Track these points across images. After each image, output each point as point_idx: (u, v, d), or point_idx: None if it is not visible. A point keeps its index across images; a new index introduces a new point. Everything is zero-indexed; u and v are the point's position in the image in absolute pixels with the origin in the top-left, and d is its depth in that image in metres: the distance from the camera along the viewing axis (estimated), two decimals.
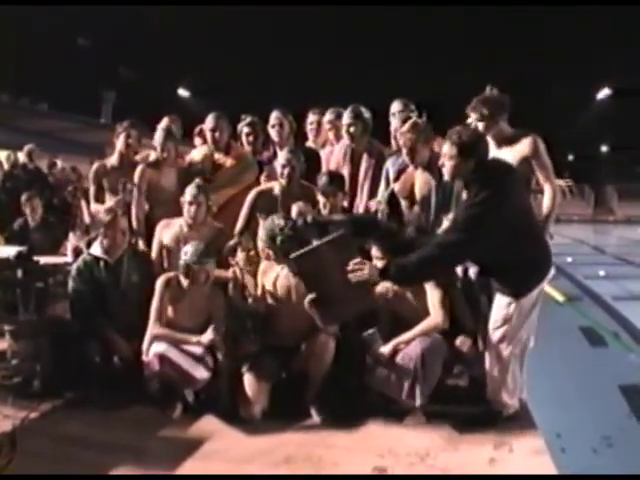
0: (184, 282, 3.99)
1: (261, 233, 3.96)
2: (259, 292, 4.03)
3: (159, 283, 4.02)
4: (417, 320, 3.83)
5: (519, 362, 3.72)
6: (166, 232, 4.46)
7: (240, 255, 4.18)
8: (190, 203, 4.33)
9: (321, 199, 4.24)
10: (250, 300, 4.02)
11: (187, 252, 3.92)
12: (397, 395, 3.74)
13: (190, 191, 4.35)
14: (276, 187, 4.53)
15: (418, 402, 3.69)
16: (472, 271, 3.83)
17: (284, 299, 3.95)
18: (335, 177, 4.33)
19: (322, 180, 4.26)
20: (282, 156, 4.50)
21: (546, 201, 3.97)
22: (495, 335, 3.63)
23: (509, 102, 4.05)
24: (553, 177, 4.00)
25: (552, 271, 3.67)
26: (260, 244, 4.06)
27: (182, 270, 3.95)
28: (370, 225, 4.01)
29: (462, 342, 3.81)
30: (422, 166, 4.20)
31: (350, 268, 3.48)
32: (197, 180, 4.47)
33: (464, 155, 3.44)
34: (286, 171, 4.42)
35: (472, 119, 3.95)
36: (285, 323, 3.96)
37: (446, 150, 3.51)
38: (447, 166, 3.53)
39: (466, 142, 3.45)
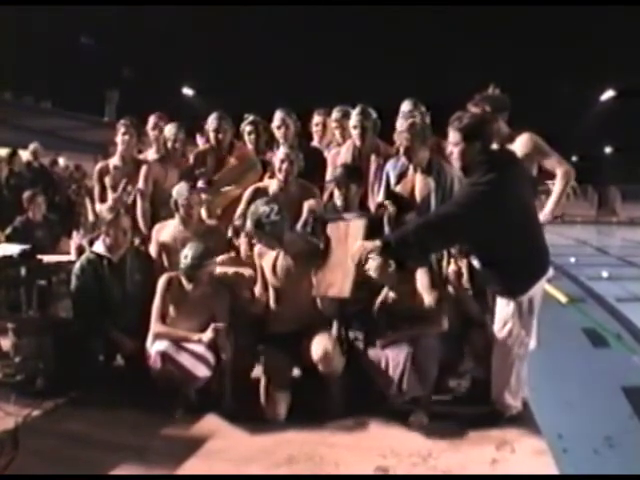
0: (186, 284, 3.99)
1: (248, 221, 3.96)
2: (259, 275, 4.06)
3: (160, 282, 4.02)
4: (416, 316, 3.83)
5: (523, 363, 3.72)
6: (162, 234, 4.48)
7: (243, 239, 4.19)
8: (184, 205, 4.36)
9: (336, 191, 4.20)
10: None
11: (187, 255, 3.91)
12: (393, 389, 3.74)
13: (183, 193, 4.36)
14: (273, 183, 4.52)
15: (405, 398, 3.72)
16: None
17: (285, 280, 3.96)
18: (351, 170, 4.29)
19: (337, 172, 4.22)
20: (280, 151, 4.48)
21: (558, 181, 4.03)
22: (499, 336, 3.64)
23: (509, 102, 4.07)
24: (563, 160, 4.05)
25: (550, 272, 3.69)
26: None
27: (184, 273, 3.95)
28: (378, 227, 4.03)
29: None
30: (421, 167, 4.19)
31: (352, 253, 3.54)
32: (200, 181, 4.49)
33: (469, 139, 3.45)
34: (284, 166, 4.40)
35: None
36: (288, 307, 3.98)
37: (451, 138, 3.52)
38: (455, 153, 3.53)
39: (469, 125, 3.46)
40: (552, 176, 4.18)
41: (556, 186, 4.05)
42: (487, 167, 3.42)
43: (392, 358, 3.72)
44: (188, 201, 4.36)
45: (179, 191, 4.38)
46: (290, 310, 3.99)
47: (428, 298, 3.79)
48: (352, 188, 4.20)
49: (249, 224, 3.93)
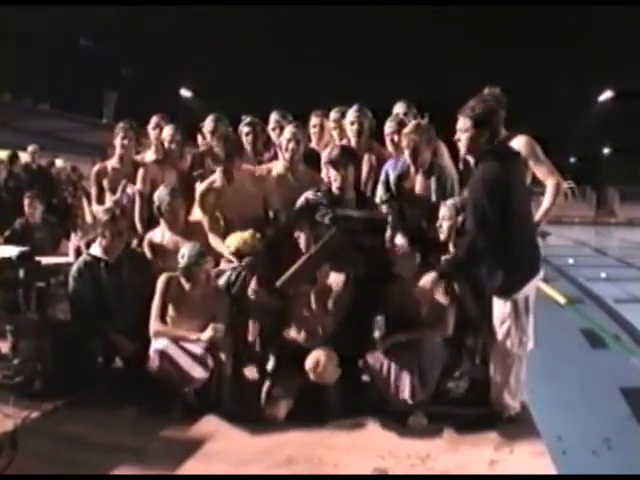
0: (185, 284, 4.00)
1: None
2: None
3: (160, 281, 4.03)
4: (421, 317, 3.84)
5: (522, 364, 3.74)
6: (153, 242, 4.50)
7: None
8: (167, 210, 4.39)
9: (332, 172, 4.15)
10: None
11: (184, 255, 3.94)
12: (393, 394, 3.74)
13: (164, 198, 4.38)
14: (278, 165, 4.50)
15: (412, 401, 3.69)
16: (426, 278, 3.80)
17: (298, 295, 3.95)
18: (346, 150, 4.23)
19: (333, 152, 4.16)
20: (287, 131, 4.46)
21: (547, 195, 4.03)
22: (498, 336, 3.65)
23: (506, 101, 4.11)
24: (555, 171, 4.06)
25: (541, 273, 3.73)
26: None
27: (182, 273, 3.97)
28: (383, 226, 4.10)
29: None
30: (423, 168, 4.20)
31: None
32: (197, 183, 4.50)
33: (479, 126, 3.52)
34: (291, 145, 4.39)
35: None
36: (300, 321, 3.96)
37: (461, 124, 3.59)
38: (463, 139, 3.60)
39: (480, 113, 3.53)
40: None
41: (546, 199, 4.04)
42: (492, 157, 3.51)
43: (396, 363, 3.72)
44: (170, 206, 4.38)
45: (160, 196, 4.40)
46: (304, 324, 3.97)
47: (440, 298, 3.80)
48: (349, 169, 4.15)
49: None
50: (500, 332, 3.64)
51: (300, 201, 4.20)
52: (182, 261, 3.94)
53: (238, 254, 4.04)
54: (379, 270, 3.96)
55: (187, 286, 4.00)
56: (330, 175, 4.18)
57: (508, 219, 3.45)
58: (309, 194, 4.21)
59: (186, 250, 3.95)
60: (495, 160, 3.49)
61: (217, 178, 4.31)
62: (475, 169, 3.63)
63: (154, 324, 3.95)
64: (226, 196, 4.28)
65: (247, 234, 4.05)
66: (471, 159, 3.74)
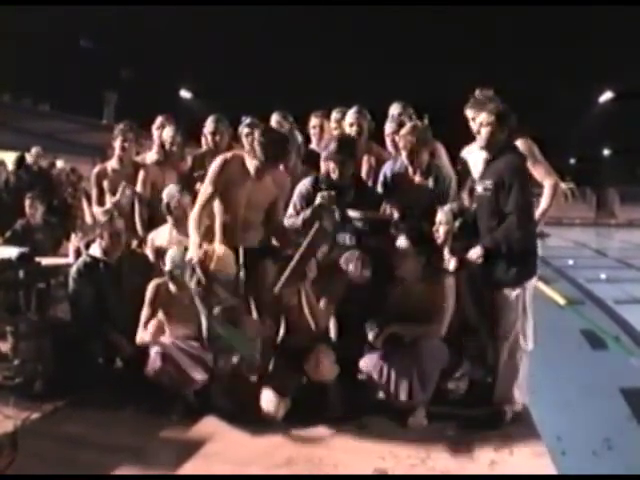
0: (172, 288, 3.99)
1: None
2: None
3: (149, 289, 4.01)
4: (420, 317, 3.81)
5: (528, 358, 3.82)
6: (157, 240, 4.50)
7: None
8: (176, 208, 4.39)
9: (330, 165, 4.15)
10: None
11: (169, 258, 3.93)
12: (392, 392, 3.73)
13: (174, 195, 4.39)
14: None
15: (413, 401, 3.69)
16: (472, 252, 3.76)
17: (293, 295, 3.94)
18: (344, 143, 4.20)
19: (331, 146, 4.16)
20: None
21: (545, 196, 4.16)
22: (511, 333, 3.72)
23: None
24: (553, 171, 4.19)
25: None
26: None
27: (169, 276, 3.96)
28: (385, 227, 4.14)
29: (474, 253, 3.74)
30: (421, 169, 4.21)
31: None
32: (198, 184, 4.50)
33: (500, 122, 3.71)
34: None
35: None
36: (297, 320, 3.95)
37: (483, 118, 3.75)
38: (483, 132, 3.76)
39: (504, 110, 3.75)
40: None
41: (543, 200, 4.18)
42: (510, 150, 3.77)
43: (395, 365, 3.71)
44: (180, 203, 4.38)
45: (170, 193, 4.41)
46: (300, 323, 3.95)
47: (438, 297, 3.79)
48: (346, 161, 4.14)
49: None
50: (514, 329, 3.71)
51: (299, 189, 4.26)
52: (168, 264, 3.92)
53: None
54: (383, 271, 3.97)
55: (174, 290, 3.98)
56: (329, 168, 4.19)
57: (529, 209, 3.67)
58: (307, 182, 4.26)
59: (172, 252, 3.95)
60: (512, 152, 3.74)
61: (246, 163, 4.15)
62: (491, 164, 3.77)
63: (139, 334, 3.94)
64: (245, 181, 4.17)
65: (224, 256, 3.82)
66: (485, 154, 3.86)
